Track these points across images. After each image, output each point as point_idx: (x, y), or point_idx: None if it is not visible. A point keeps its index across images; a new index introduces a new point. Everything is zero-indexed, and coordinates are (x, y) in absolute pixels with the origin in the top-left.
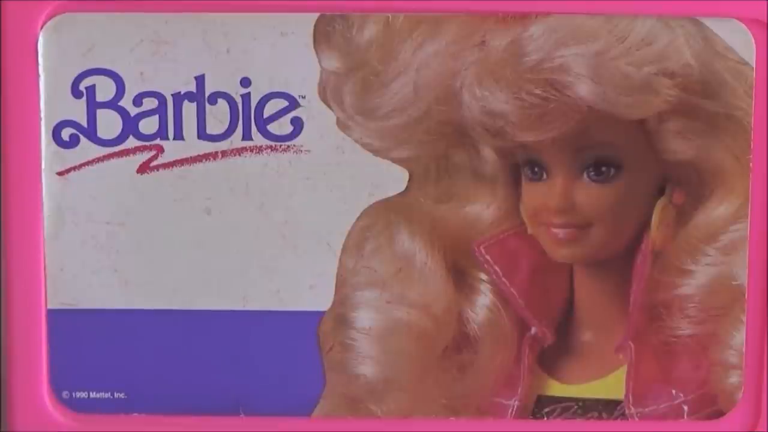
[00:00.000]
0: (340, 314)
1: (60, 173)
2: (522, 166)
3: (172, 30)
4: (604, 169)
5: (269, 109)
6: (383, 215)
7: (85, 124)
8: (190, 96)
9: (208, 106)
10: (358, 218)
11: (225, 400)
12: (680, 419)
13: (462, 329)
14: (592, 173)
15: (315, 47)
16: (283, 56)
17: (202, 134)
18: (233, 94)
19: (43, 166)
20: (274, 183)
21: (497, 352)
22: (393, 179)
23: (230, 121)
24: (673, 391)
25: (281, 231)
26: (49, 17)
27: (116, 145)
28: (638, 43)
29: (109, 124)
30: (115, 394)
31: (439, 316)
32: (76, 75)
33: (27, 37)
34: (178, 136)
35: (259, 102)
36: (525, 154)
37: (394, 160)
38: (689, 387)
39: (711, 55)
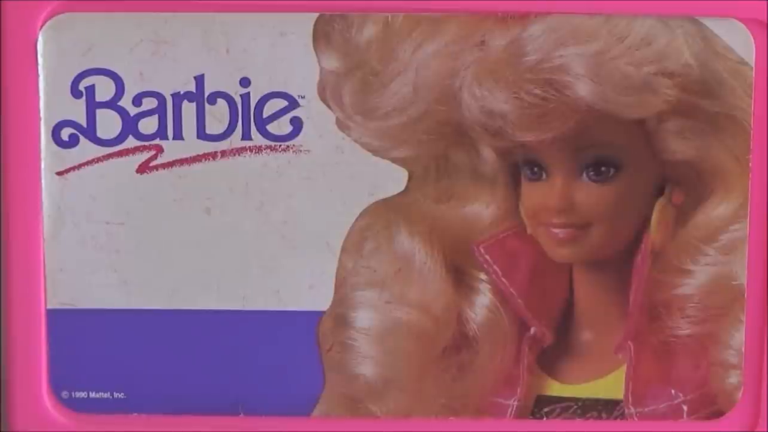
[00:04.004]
0: (340, 314)
1: (60, 173)
2: (521, 166)
3: (171, 30)
4: (603, 168)
5: (268, 109)
6: (383, 215)
7: (84, 124)
8: (189, 96)
9: (207, 106)
10: (358, 218)
11: (225, 400)
12: (680, 419)
13: (461, 329)
14: (592, 173)
15: (314, 47)
16: (283, 56)
17: (201, 134)
18: (232, 94)
19: (42, 166)
20: (274, 183)
21: (497, 352)
22: (392, 179)
23: (230, 121)
24: (673, 391)
25: (281, 231)
26: (49, 17)
27: (116, 145)
28: (638, 43)
29: (108, 124)
30: (115, 394)
31: (439, 316)
32: (75, 75)
33: (27, 37)
34: (178, 136)
35: (258, 102)
36: (524, 154)
37: (394, 160)
38: (689, 387)
39: (710, 54)
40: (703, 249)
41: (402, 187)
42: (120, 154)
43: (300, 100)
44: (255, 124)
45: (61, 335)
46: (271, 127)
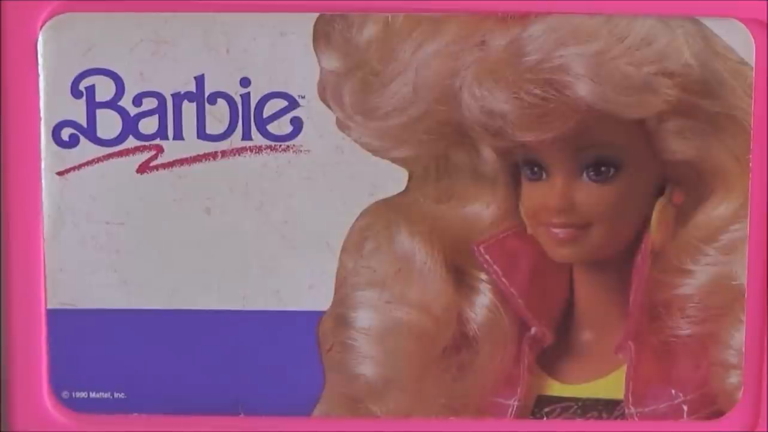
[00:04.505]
0: (340, 314)
1: (60, 173)
2: (522, 166)
3: (171, 30)
4: (603, 168)
5: (269, 109)
6: (383, 215)
7: (84, 124)
8: (189, 96)
9: (207, 106)
10: (358, 218)
11: (225, 400)
12: (680, 419)
13: (462, 329)
14: (592, 173)
15: (314, 47)
16: (283, 56)
17: (201, 134)
18: (233, 94)
19: (42, 166)
20: (274, 183)
21: (497, 352)
22: (393, 179)
23: (230, 121)
24: (673, 391)
25: (281, 231)
26: (49, 17)
27: (116, 145)
28: (638, 42)
29: (108, 124)
30: (115, 394)
31: (439, 316)
32: (75, 75)
33: (27, 37)
34: (178, 136)
35: (258, 102)
36: (524, 154)
37: (394, 160)
38: (689, 387)
39: (710, 54)
40: (703, 249)
41: (402, 187)
42: (120, 154)
43: (300, 100)
44: (255, 124)
45: (61, 335)
46: (272, 127)
